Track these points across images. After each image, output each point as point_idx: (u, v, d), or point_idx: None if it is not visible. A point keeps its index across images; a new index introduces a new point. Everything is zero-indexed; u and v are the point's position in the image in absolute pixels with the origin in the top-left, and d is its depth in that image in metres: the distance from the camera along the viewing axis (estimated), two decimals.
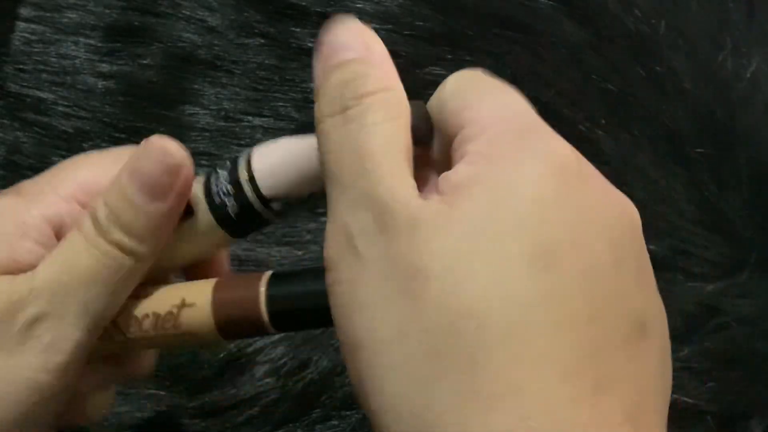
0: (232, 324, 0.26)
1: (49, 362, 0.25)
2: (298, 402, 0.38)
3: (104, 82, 0.43)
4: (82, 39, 0.44)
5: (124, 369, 0.30)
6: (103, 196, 0.26)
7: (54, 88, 0.43)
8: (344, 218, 0.21)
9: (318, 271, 0.24)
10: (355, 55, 0.23)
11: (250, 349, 0.39)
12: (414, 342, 0.19)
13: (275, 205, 0.25)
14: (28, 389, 0.25)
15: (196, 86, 0.43)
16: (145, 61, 0.43)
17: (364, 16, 0.43)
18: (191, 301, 0.26)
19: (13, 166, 0.43)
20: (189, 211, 0.27)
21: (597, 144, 0.42)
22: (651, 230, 0.41)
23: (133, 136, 0.43)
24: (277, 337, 0.40)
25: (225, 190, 0.26)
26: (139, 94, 0.43)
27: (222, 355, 0.39)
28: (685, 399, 0.38)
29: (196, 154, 0.43)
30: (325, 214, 0.23)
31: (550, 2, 0.42)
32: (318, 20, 0.43)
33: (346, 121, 0.22)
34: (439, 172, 0.22)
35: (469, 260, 0.19)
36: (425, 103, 0.24)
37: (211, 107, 0.43)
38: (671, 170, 0.42)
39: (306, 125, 0.42)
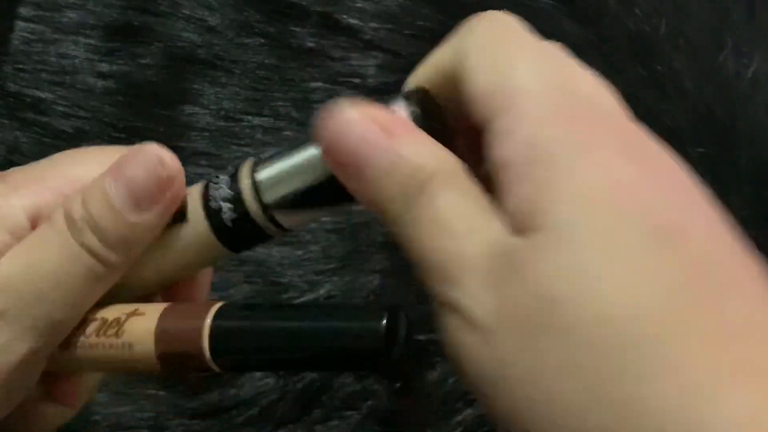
0: (172, 345, 0.24)
1: None
2: (298, 402, 0.38)
3: (104, 82, 0.43)
4: (81, 38, 0.44)
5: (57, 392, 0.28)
6: (81, 195, 0.24)
7: (53, 87, 0.43)
8: (454, 299, 0.19)
9: (271, 308, 0.23)
10: (380, 151, 0.21)
11: None
12: (590, 377, 0.17)
13: (275, 214, 0.24)
14: None
15: (195, 86, 0.43)
16: (144, 61, 0.43)
17: (365, 16, 0.43)
18: (143, 310, 0.25)
19: (13, 166, 0.42)
20: (182, 217, 0.25)
21: None
22: None
23: (133, 135, 0.43)
24: None
25: (224, 196, 0.24)
26: (138, 93, 0.43)
27: None
28: None
29: (195, 154, 0.43)
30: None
31: (551, 2, 0.42)
32: (318, 20, 0.43)
33: (417, 221, 0.20)
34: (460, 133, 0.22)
35: (600, 265, 0.18)
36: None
37: (210, 107, 0.43)
38: None
39: (306, 125, 0.42)
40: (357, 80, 0.42)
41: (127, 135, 0.42)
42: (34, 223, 0.25)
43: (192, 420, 0.38)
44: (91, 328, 0.25)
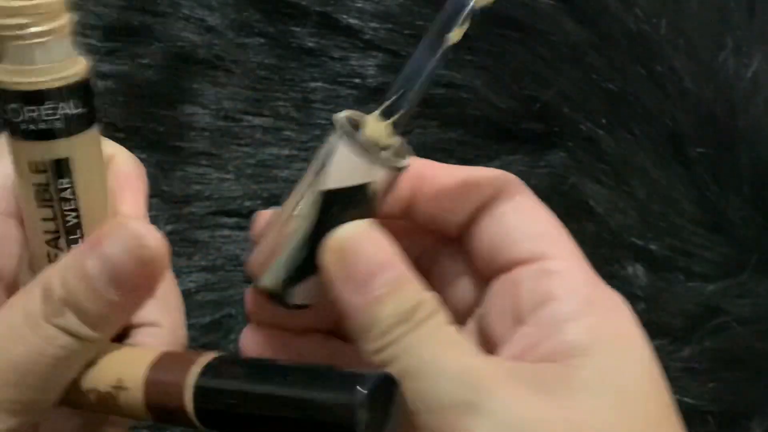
0: (164, 414, 0.23)
1: None
2: None
3: (104, 82, 0.43)
4: (81, 38, 0.44)
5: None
6: (60, 273, 0.23)
7: None
8: (474, 402, 0.21)
9: (260, 366, 0.23)
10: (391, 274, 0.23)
11: None
12: None
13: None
14: None
15: (195, 86, 0.43)
16: (144, 61, 0.43)
17: (364, 16, 0.43)
18: (126, 384, 0.23)
19: None
20: None
21: (598, 144, 0.41)
22: (652, 230, 0.41)
23: (133, 135, 0.43)
24: None
25: None
26: (138, 93, 0.43)
27: None
28: (686, 399, 0.38)
29: (195, 154, 0.43)
30: None
31: (551, 1, 0.42)
32: (318, 20, 0.43)
33: (426, 339, 0.22)
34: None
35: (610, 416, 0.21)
36: None
37: (210, 107, 0.43)
38: (672, 170, 0.42)
39: (305, 125, 0.42)
40: (357, 80, 0.42)
41: (127, 135, 0.42)
42: None
43: None
44: (93, 397, 0.24)
